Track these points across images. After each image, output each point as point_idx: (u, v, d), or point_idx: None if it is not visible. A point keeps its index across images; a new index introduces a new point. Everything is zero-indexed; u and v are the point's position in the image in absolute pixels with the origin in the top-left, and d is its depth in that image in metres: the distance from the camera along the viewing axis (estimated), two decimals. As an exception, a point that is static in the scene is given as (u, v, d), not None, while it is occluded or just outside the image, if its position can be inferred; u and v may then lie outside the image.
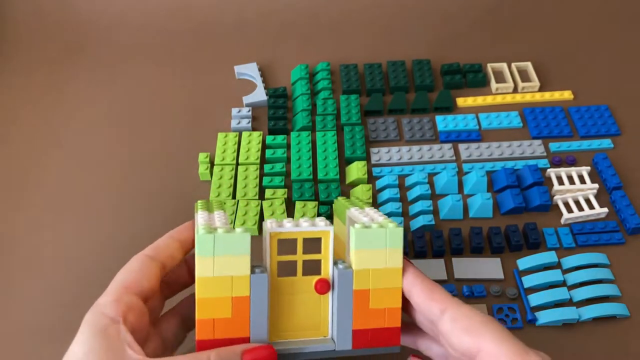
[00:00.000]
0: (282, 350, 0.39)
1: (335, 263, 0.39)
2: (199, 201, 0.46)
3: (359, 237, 0.38)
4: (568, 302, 0.52)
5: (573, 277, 0.53)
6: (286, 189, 0.60)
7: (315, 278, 0.39)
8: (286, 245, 0.39)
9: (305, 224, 0.39)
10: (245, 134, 0.66)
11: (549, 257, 0.54)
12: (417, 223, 0.57)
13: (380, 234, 0.38)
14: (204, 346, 0.38)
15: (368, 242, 0.38)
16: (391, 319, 0.40)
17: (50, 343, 0.49)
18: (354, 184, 0.62)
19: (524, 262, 0.54)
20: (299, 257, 0.39)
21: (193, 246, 0.40)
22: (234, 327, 0.38)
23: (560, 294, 0.51)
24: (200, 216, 0.41)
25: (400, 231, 0.38)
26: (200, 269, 0.37)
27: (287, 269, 0.40)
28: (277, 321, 0.40)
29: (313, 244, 0.39)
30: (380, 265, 0.38)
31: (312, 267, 0.39)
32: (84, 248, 0.57)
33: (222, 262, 0.37)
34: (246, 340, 0.38)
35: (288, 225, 0.39)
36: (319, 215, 0.58)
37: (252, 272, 0.38)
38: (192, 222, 0.43)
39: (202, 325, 0.38)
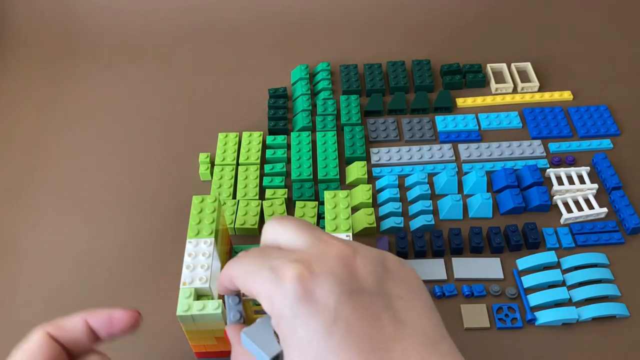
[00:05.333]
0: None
1: None
2: (194, 197, 0.49)
3: None
4: (567, 302, 0.52)
5: (572, 277, 0.53)
6: (286, 189, 0.61)
7: None
8: None
9: None
10: (245, 134, 0.66)
11: (548, 257, 0.54)
12: (416, 223, 0.58)
13: None
14: (202, 356, 0.48)
15: None
16: None
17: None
18: (354, 184, 0.62)
19: (523, 262, 0.54)
20: None
21: (102, 337, 0.36)
22: (222, 346, 0.46)
23: (560, 293, 0.51)
24: (185, 266, 0.45)
25: None
26: (185, 325, 0.44)
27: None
28: None
29: None
30: None
31: None
32: (84, 248, 0.57)
33: (201, 324, 0.44)
34: None
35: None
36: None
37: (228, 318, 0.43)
38: (108, 314, 0.37)
39: (196, 347, 0.47)
